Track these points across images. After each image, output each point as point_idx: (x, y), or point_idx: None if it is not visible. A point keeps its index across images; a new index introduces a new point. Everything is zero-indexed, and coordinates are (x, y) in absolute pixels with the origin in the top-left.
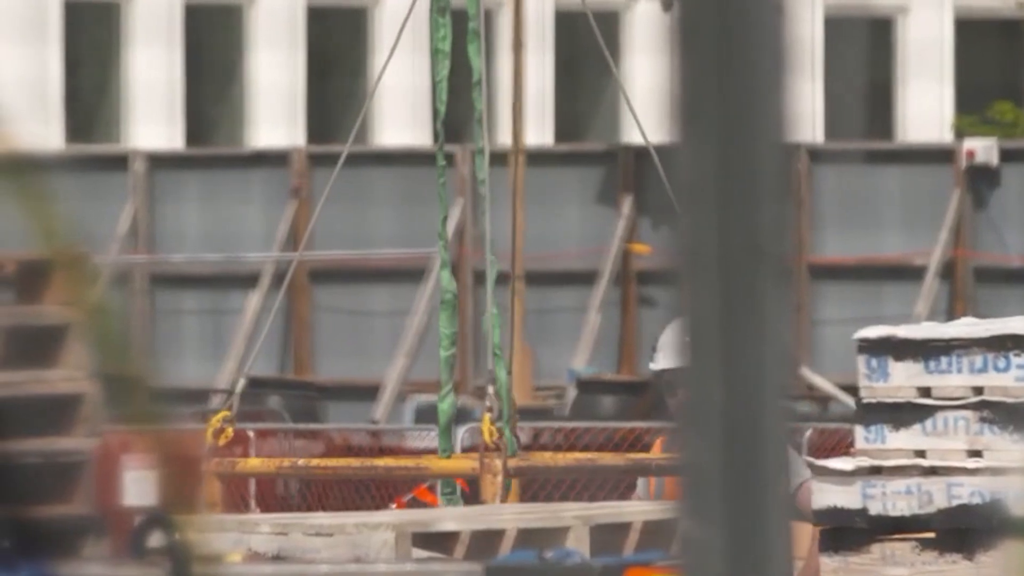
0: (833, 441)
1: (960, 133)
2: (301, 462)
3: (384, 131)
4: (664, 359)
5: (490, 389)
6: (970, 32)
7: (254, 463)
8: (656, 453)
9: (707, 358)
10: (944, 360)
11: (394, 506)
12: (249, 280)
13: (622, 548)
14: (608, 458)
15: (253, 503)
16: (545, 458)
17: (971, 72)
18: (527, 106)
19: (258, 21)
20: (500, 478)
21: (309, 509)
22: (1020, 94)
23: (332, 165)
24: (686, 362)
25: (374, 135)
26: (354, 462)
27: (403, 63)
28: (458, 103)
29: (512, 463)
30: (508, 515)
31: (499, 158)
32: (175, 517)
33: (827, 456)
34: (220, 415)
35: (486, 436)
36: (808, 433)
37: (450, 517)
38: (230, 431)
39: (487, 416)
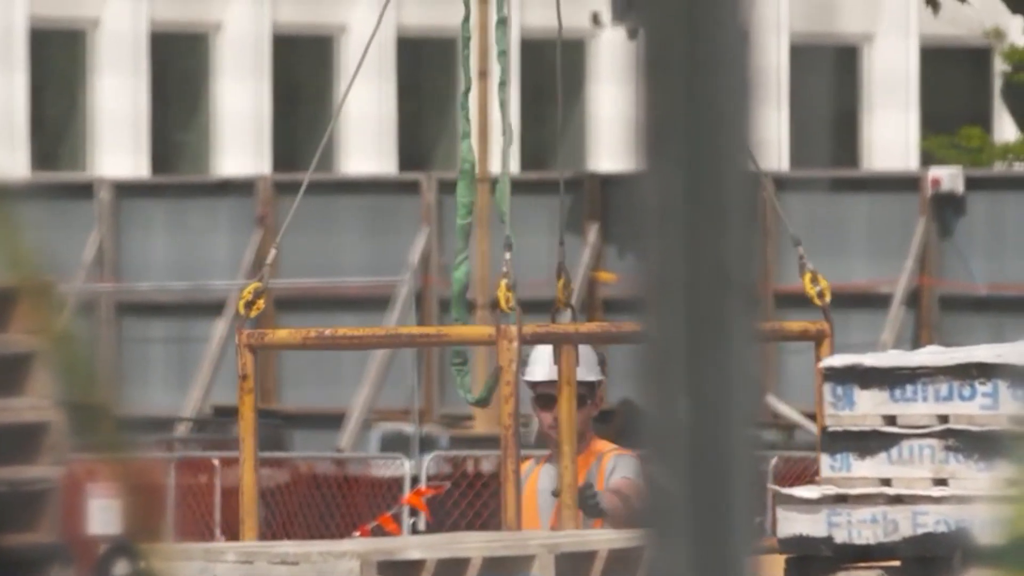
0: (799, 469)
1: (928, 156)
2: (328, 332)
3: (350, 159)
4: (540, 371)
5: (507, 255)
6: (936, 61)
7: (282, 334)
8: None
9: (673, 385)
10: (909, 388)
11: (358, 534)
12: (215, 308)
13: None
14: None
15: (218, 531)
16: (564, 326)
17: (937, 101)
18: (492, 134)
19: (224, 49)
20: (516, 344)
21: (274, 537)
22: (986, 123)
23: (298, 194)
24: (652, 389)
25: (340, 163)
26: (379, 331)
27: (368, 91)
28: (423, 131)
29: (528, 330)
30: (473, 543)
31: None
32: (140, 545)
33: (792, 484)
34: (252, 286)
35: (502, 303)
36: (773, 461)
37: (415, 545)
38: (261, 303)
39: (504, 282)
